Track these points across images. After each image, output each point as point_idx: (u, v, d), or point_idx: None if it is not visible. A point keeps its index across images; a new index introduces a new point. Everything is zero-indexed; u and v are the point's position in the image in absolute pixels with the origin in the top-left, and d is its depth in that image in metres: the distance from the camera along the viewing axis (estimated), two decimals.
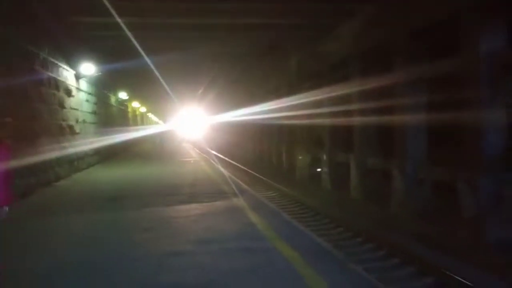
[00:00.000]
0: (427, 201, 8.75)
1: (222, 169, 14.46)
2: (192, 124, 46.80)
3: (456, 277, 5.49)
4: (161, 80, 20.20)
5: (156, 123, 61.61)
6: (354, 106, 11.46)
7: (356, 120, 11.43)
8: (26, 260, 4.53)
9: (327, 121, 13.38)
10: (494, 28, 6.74)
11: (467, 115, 7.18)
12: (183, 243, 5.00)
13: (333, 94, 12.62)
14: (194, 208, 7.14)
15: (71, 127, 12.11)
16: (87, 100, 14.49)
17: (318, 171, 14.11)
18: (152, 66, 16.29)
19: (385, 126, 10.37)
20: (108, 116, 19.32)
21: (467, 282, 5.32)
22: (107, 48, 13.64)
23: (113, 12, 8.22)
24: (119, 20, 9.31)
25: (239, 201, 7.69)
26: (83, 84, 13.92)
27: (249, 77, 21.12)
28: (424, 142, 8.98)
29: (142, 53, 12.19)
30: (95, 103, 15.94)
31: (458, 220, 7.26)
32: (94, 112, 15.60)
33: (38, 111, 9.52)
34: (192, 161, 17.42)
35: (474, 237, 6.81)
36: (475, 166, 6.95)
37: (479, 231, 6.75)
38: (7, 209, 3.88)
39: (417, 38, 8.64)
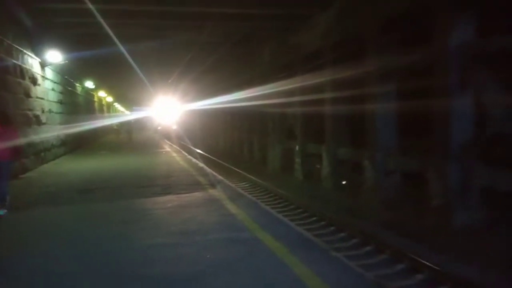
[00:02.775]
0: (397, 190, 9.05)
1: (195, 160, 14.37)
2: (163, 113, 42.13)
3: (426, 262, 5.76)
4: (131, 68, 19.69)
5: (123, 112, 60.19)
6: (326, 97, 11.64)
7: (328, 110, 11.63)
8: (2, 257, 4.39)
9: (299, 111, 13.54)
10: (464, 19, 6.97)
11: (437, 105, 7.47)
12: (165, 235, 4.96)
13: (305, 84, 12.77)
14: (171, 200, 7.08)
15: (37, 117, 11.66)
16: (53, 89, 13.97)
17: (291, 162, 14.25)
18: (121, 54, 15.84)
19: (356, 117, 10.62)
20: (75, 105, 18.72)
21: (434, 267, 5.59)
22: (74, 36, 13.15)
23: None
24: (88, 6, 8.99)
25: (216, 192, 7.70)
26: (49, 73, 13.40)
27: (223, 66, 20.94)
28: (394, 132, 9.26)
29: (113, 40, 11.82)
30: (61, 92, 15.40)
31: (427, 208, 7.58)
32: (60, 102, 15.07)
33: (3, 100, 9.10)
34: (163, 152, 17.20)
35: (442, 224, 7.14)
36: (443, 155, 7.25)
37: (446, 217, 7.08)
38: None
39: (389, 29, 8.84)
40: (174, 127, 37.98)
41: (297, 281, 3.50)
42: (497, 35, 6.52)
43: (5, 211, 6.13)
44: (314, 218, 8.82)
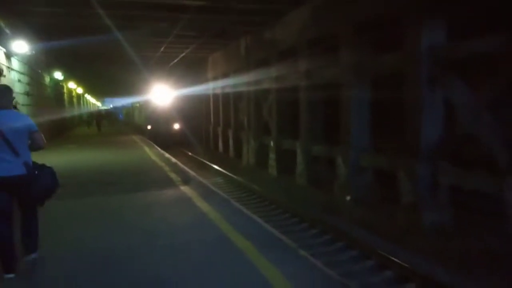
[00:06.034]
0: (369, 187, 9.16)
1: (167, 155, 14.14)
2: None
3: (394, 259, 5.86)
4: (102, 58, 19.18)
5: (94, 104, 58.89)
6: (301, 93, 11.65)
7: (303, 107, 11.64)
8: None
9: (274, 107, 13.51)
10: (434, 24, 7.09)
11: (408, 106, 7.58)
12: (132, 235, 4.83)
13: (281, 80, 12.76)
14: (140, 198, 6.92)
15: None
16: (19, 81, 13.42)
17: (266, 158, 14.22)
18: (91, 45, 15.38)
19: (331, 114, 10.68)
20: (42, 97, 18.08)
21: (404, 264, 5.69)
22: (42, 25, 12.62)
23: None
24: None
25: (188, 190, 7.58)
26: (15, 63, 12.86)
27: (199, 58, 20.58)
28: (368, 130, 9.34)
29: (82, 31, 11.44)
30: (28, 84, 14.83)
31: (397, 206, 7.71)
32: (27, 94, 14.50)
33: None
34: (133, 146, 16.86)
35: (411, 222, 7.27)
36: (413, 154, 7.38)
37: (415, 216, 7.22)
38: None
39: (363, 31, 8.90)
40: (176, 126, 23.50)
41: (262, 282, 3.48)
42: (466, 40, 6.64)
43: None
44: (287, 215, 8.85)
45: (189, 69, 22.75)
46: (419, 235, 6.85)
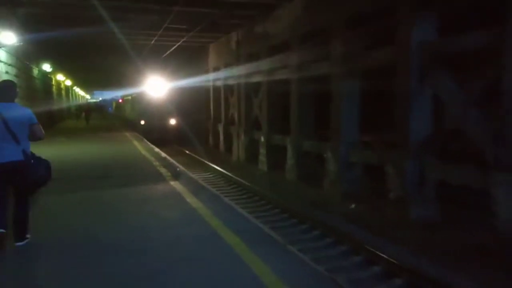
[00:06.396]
0: (358, 182, 9.24)
1: (156, 150, 14.08)
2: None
3: (382, 255, 5.93)
4: (92, 50, 18.94)
5: (83, 97, 58.27)
6: (291, 89, 11.67)
7: (293, 102, 11.67)
8: None
9: (264, 102, 13.52)
10: (425, 19, 7.15)
11: (398, 101, 7.65)
12: (121, 231, 4.82)
13: (271, 75, 12.76)
14: (130, 193, 6.89)
15: None
16: (6, 72, 13.21)
17: (256, 153, 14.24)
18: (80, 36, 15.18)
19: (321, 110, 10.73)
20: (31, 89, 17.84)
21: (391, 260, 5.75)
22: (31, 16, 12.43)
23: None
24: None
25: (177, 185, 7.56)
26: (2, 55, 12.66)
27: (193, 50, 20.40)
28: (357, 126, 9.41)
29: (72, 22, 11.27)
30: (16, 76, 14.60)
31: (386, 201, 7.80)
32: None
33: None
34: (122, 140, 16.74)
35: (398, 216, 7.37)
36: (401, 149, 7.46)
37: (403, 210, 7.31)
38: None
39: (354, 25, 8.92)
40: (173, 121, 21.88)
41: (251, 277, 3.51)
42: (456, 35, 6.70)
43: None
44: (277, 210, 8.88)
45: (184, 61, 21.85)
46: (407, 229, 6.94)
